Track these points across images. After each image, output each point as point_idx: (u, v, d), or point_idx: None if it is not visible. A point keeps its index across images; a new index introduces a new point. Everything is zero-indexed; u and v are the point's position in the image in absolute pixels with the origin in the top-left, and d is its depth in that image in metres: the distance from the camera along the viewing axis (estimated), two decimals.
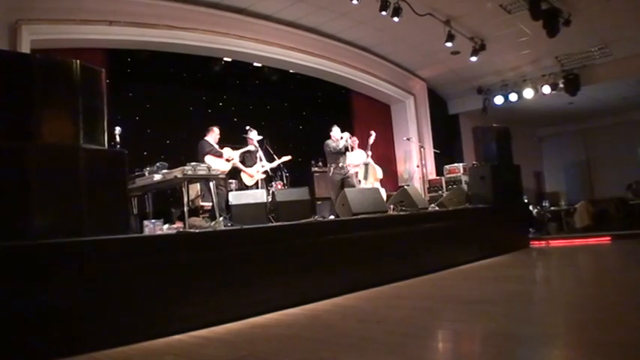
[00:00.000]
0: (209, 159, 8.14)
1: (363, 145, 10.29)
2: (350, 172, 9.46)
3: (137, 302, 4.00)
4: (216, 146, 8.48)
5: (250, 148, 8.93)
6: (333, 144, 9.39)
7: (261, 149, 9.08)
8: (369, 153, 10.19)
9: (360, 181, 9.97)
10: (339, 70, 11.89)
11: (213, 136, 8.52)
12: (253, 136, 9.05)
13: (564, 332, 3.56)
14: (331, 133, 9.59)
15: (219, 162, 8.24)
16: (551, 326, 3.71)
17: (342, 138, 9.45)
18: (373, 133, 10.35)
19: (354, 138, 10.23)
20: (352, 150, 9.66)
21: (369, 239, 6.17)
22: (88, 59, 5.22)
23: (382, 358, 3.21)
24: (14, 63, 4.39)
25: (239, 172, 8.90)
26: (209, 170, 6.71)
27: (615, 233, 9.69)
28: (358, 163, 10.08)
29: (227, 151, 8.56)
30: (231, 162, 8.53)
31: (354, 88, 13.09)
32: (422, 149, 13.15)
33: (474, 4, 9.99)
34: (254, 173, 8.84)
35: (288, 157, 9.29)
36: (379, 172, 10.20)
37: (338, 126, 9.75)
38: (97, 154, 4.48)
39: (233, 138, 9.06)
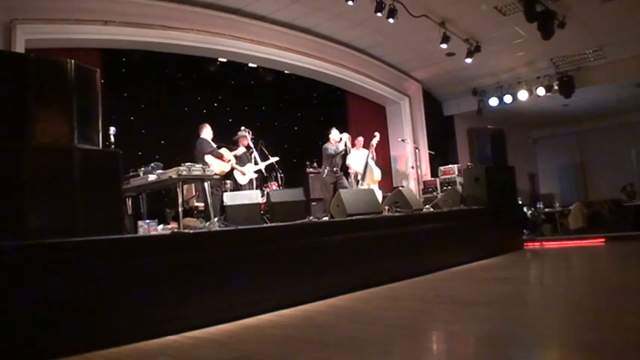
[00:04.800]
0: (209, 159, 8.12)
1: (365, 145, 10.30)
2: (342, 175, 9.48)
3: (131, 303, 3.98)
4: (214, 144, 8.45)
5: (241, 149, 8.89)
6: (333, 147, 9.41)
7: (256, 149, 9.07)
8: (371, 153, 10.19)
9: (359, 181, 9.97)
10: (334, 71, 11.90)
11: (207, 133, 8.49)
12: (248, 135, 9.05)
13: (558, 334, 3.56)
14: (330, 136, 9.60)
15: (220, 163, 8.22)
16: (546, 328, 3.72)
17: (341, 140, 9.47)
18: (377, 135, 10.35)
19: (360, 138, 10.24)
20: (350, 152, 9.67)
21: (363, 240, 6.16)
22: (83, 59, 5.20)
23: None
24: (8, 63, 4.37)
25: (232, 171, 8.88)
26: (204, 171, 6.70)
27: (609, 235, 9.71)
28: (360, 168, 10.05)
29: (224, 152, 8.53)
30: (230, 163, 8.50)
31: (349, 89, 13.10)
32: (417, 150, 13.17)
33: (469, 5, 10.02)
34: (247, 172, 8.82)
35: (275, 158, 9.26)
36: (377, 174, 10.17)
37: (333, 127, 9.76)
38: (91, 154, 4.46)
39: (228, 138, 9.05)
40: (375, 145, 10.29)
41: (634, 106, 15.36)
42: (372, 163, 10.15)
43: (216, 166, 8.12)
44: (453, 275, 6.76)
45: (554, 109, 15.57)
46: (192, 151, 8.27)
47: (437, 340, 3.75)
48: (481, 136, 9.84)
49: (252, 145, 8.92)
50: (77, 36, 8.10)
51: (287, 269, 5.18)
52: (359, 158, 10.08)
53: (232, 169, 8.78)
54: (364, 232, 6.26)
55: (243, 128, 8.92)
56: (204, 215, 7.68)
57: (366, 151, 10.22)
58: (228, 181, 8.77)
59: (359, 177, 9.98)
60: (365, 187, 9.73)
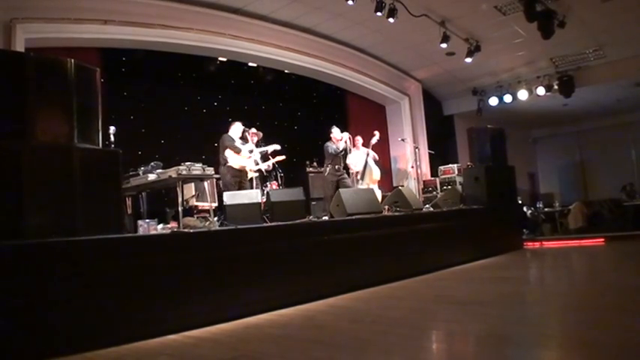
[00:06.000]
0: (228, 153, 8.10)
1: (365, 144, 10.26)
2: (345, 174, 9.45)
3: (131, 302, 3.98)
4: (239, 141, 8.42)
5: (251, 146, 8.83)
6: (334, 146, 9.39)
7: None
8: (370, 152, 10.15)
9: (359, 180, 9.94)
10: (335, 71, 11.90)
11: (234, 130, 8.43)
12: (254, 131, 9.02)
13: (558, 333, 3.56)
14: (331, 135, 9.58)
15: (237, 157, 8.16)
16: (545, 327, 3.72)
17: (341, 139, 9.45)
18: (377, 134, 10.29)
19: (358, 137, 10.21)
20: (351, 151, 9.65)
21: (363, 240, 6.16)
22: (83, 58, 5.21)
23: (376, 359, 3.21)
24: (8, 62, 4.36)
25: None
26: (203, 170, 6.70)
27: (609, 235, 9.71)
28: (359, 168, 10.00)
29: (249, 147, 8.46)
30: (252, 158, 8.45)
31: (349, 89, 13.10)
32: (416, 150, 13.16)
33: (469, 5, 10.03)
34: (247, 171, 8.80)
35: (282, 157, 9.23)
36: (376, 174, 10.11)
37: (334, 126, 9.75)
38: (91, 154, 4.46)
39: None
40: (373, 144, 10.22)
41: (634, 106, 15.35)
42: (371, 162, 10.08)
43: (233, 160, 8.09)
44: (452, 275, 6.76)
45: (554, 109, 15.57)
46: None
47: (437, 340, 3.75)
48: (481, 136, 9.83)
49: (253, 144, 8.89)
50: (77, 35, 8.10)
51: (287, 269, 5.18)
52: (359, 158, 10.05)
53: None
54: (364, 232, 6.26)
55: (243, 128, 8.86)
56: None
57: (365, 150, 10.17)
58: (254, 175, 8.69)
59: (358, 176, 9.94)
60: (364, 186, 9.70)
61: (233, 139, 8.27)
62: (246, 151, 8.31)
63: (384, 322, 4.22)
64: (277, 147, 8.90)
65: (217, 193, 8.37)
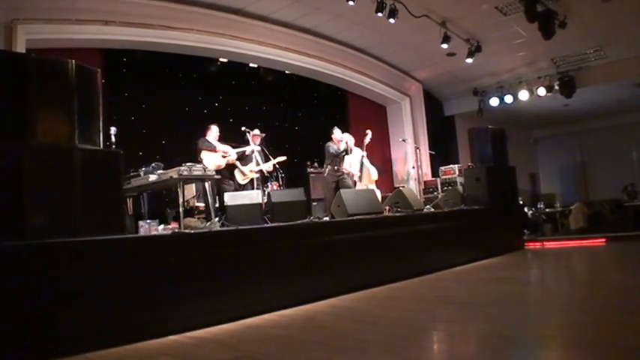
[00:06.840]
0: (204, 154, 8.19)
1: (358, 144, 10.21)
2: (344, 175, 9.42)
3: (132, 303, 3.98)
4: (216, 143, 8.48)
5: (252, 147, 8.85)
6: (335, 146, 9.38)
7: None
8: (364, 153, 10.08)
9: (355, 182, 9.90)
10: (335, 71, 11.91)
11: (211, 134, 8.58)
12: (257, 133, 9.05)
13: (559, 334, 3.56)
14: (333, 135, 9.58)
15: (214, 157, 8.26)
16: (546, 327, 3.72)
17: (342, 140, 9.44)
18: (369, 132, 10.22)
19: (351, 137, 10.18)
20: (351, 152, 9.63)
21: (364, 240, 6.16)
22: (84, 59, 5.21)
23: (377, 359, 3.21)
24: (9, 63, 4.37)
25: (233, 171, 8.85)
26: (204, 171, 6.71)
27: (610, 235, 9.70)
28: (356, 169, 9.92)
29: (225, 148, 8.53)
30: (227, 158, 8.51)
31: (350, 89, 13.11)
32: (417, 150, 13.15)
33: (469, 5, 10.02)
34: (247, 172, 8.82)
35: (283, 158, 9.23)
36: (374, 174, 10.04)
37: (335, 126, 9.74)
38: (92, 154, 4.47)
39: (229, 138, 9.02)
40: (366, 143, 10.11)
41: (634, 106, 15.36)
42: (367, 162, 9.98)
43: (208, 160, 8.12)
44: (453, 275, 6.75)
45: (555, 109, 15.58)
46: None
47: (437, 340, 3.75)
48: (482, 136, 9.83)
49: (253, 145, 8.90)
50: (78, 36, 8.10)
51: (288, 269, 5.17)
52: (354, 159, 9.98)
53: (233, 167, 8.75)
54: (365, 232, 6.26)
55: (243, 128, 8.87)
56: (206, 215, 7.68)
57: (360, 150, 10.07)
58: (233, 182, 8.71)
59: (355, 177, 9.89)
60: (363, 187, 9.66)
61: (207, 142, 8.39)
62: (221, 151, 8.40)
63: (384, 323, 4.22)
64: (257, 148, 8.95)
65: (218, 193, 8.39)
